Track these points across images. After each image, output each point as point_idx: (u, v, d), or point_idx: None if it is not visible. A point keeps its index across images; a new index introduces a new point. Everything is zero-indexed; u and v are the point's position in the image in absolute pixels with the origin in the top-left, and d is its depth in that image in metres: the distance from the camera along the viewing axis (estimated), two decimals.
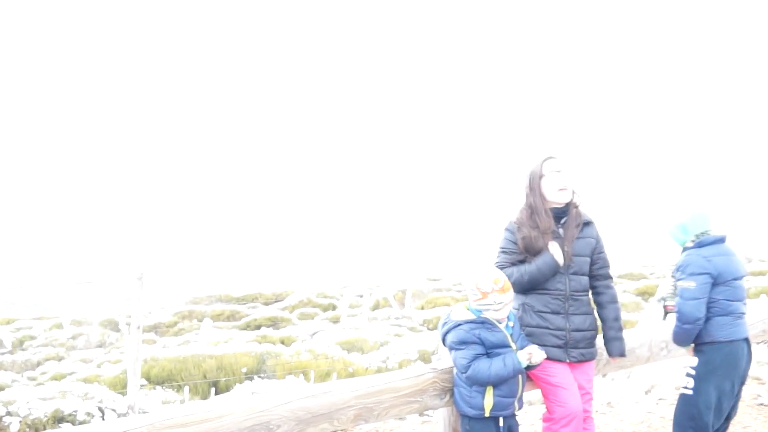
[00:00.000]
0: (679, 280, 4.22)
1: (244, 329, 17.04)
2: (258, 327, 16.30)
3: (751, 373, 5.88)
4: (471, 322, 3.88)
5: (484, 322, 3.87)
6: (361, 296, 18.35)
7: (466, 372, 3.82)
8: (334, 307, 19.79)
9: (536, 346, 3.99)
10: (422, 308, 17.70)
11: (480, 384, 3.82)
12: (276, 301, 21.31)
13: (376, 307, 17.44)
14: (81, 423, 7.34)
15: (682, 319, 4.14)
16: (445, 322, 4.01)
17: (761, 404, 6.78)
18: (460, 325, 3.90)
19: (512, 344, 3.89)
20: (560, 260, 4.00)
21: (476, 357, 3.81)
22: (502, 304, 3.83)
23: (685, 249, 4.32)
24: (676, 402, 4.36)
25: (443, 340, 4.04)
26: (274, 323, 16.69)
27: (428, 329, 14.41)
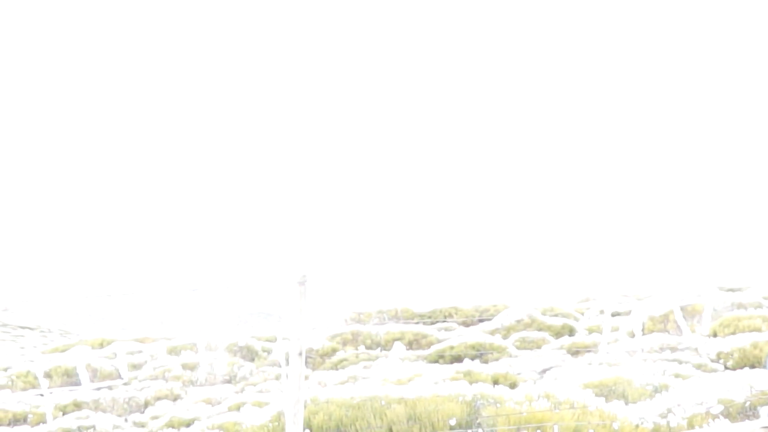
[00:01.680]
0: None
1: (436, 361, 17.41)
2: (457, 358, 16.53)
3: None
4: None
5: None
6: (614, 314, 18.18)
7: None
8: (571, 331, 19.79)
9: None
10: (714, 334, 17.23)
11: None
12: (481, 320, 21.59)
13: (643, 331, 17.23)
14: None
15: None
16: None
17: None
18: None
19: None
20: None
21: None
22: None
23: None
24: None
25: None
26: (480, 353, 16.89)
27: (728, 368, 14.02)
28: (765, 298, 20.03)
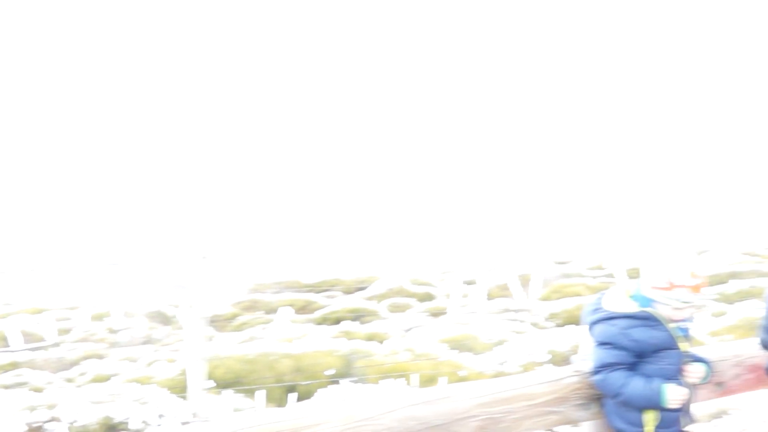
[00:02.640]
0: None
1: (321, 323, 17.41)
2: (338, 321, 16.61)
3: None
4: (629, 317, 3.84)
5: (646, 318, 3.84)
6: (469, 283, 18.44)
7: (594, 375, 3.91)
8: (432, 297, 20.00)
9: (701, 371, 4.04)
10: (547, 299, 17.65)
11: (611, 395, 3.93)
12: (359, 289, 21.63)
13: (488, 296, 17.51)
14: None
15: None
16: (596, 308, 3.95)
17: None
18: (614, 318, 3.86)
19: (682, 346, 3.91)
20: None
21: (613, 365, 3.86)
22: (687, 305, 3.81)
23: None
24: None
25: (590, 329, 3.99)
26: (358, 316, 16.97)
27: (557, 326, 14.40)
28: (587, 269, 20.71)
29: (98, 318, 17.99)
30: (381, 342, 11.76)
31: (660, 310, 3.80)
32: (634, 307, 3.83)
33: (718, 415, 7.34)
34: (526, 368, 9.61)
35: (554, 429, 6.42)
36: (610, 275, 20.36)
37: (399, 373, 9.05)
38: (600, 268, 23.67)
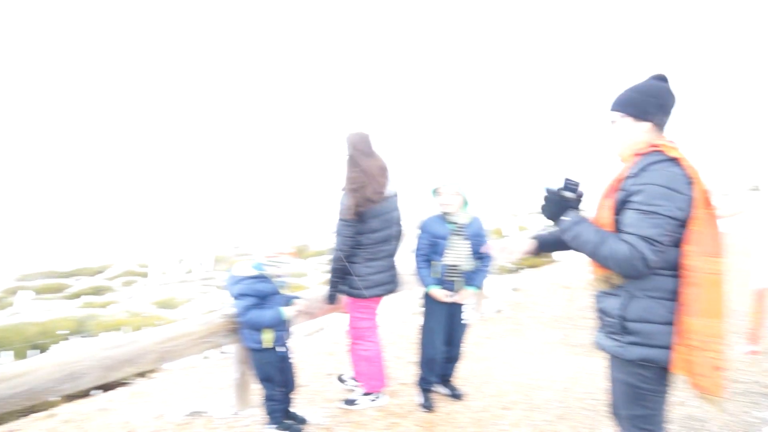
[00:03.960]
0: None
1: (69, 299, 15.52)
2: (81, 296, 15.18)
3: None
4: (251, 277, 4.13)
5: (261, 277, 4.16)
6: (177, 263, 17.49)
7: (241, 318, 4.23)
8: (153, 275, 18.70)
9: (304, 301, 4.53)
10: (227, 270, 17.33)
11: (253, 327, 4.23)
12: (100, 273, 19.61)
13: (188, 271, 16.81)
14: None
15: None
16: (230, 277, 4.27)
17: None
18: (242, 280, 4.15)
19: (283, 292, 4.33)
20: None
21: (251, 307, 4.15)
22: (287, 264, 4.20)
23: None
24: None
25: (229, 291, 4.29)
26: (97, 292, 15.43)
27: None
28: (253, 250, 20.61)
29: None
30: (105, 307, 10.63)
31: (269, 271, 4.15)
32: (254, 272, 4.11)
33: (317, 332, 7.62)
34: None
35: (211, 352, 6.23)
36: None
37: (116, 327, 8.26)
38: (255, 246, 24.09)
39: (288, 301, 4.41)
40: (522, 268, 11.66)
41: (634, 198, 2.58)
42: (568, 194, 2.82)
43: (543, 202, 2.86)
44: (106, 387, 5.85)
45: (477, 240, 4.60)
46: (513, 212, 25.21)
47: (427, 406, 4.80)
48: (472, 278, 4.64)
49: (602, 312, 2.85)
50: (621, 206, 2.66)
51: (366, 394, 4.93)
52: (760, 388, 5.00)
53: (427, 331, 4.76)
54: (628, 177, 2.66)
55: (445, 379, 5.16)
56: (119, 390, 5.75)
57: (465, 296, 4.64)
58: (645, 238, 2.50)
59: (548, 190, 2.86)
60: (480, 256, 4.64)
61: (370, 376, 4.87)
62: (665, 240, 2.56)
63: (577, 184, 2.85)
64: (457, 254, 4.52)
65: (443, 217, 4.57)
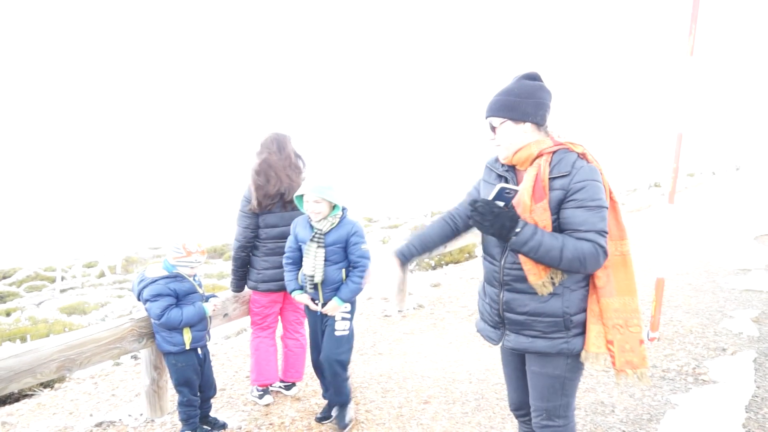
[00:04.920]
0: None
1: None
2: None
3: None
4: (166, 277, 4.06)
5: (176, 277, 4.09)
6: (88, 266, 16.57)
7: (160, 320, 4.10)
8: (60, 279, 17.60)
9: (218, 299, 4.63)
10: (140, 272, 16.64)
11: (173, 328, 4.14)
12: (4, 278, 18.27)
13: (100, 275, 15.94)
14: None
15: None
16: (142, 279, 4.14)
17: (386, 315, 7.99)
18: (156, 281, 4.05)
19: (200, 290, 4.27)
20: None
21: (169, 307, 4.05)
22: (199, 263, 4.15)
23: None
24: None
25: (139, 295, 4.18)
26: (0, 298, 14.29)
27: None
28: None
29: None
30: (8, 314, 9.93)
31: (182, 271, 4.10)
32: (166, 272, 4.05)
33: (238, 334, 7.46)
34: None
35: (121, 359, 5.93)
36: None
37: (19, 336, 7.74)
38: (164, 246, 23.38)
39: (205, 299, 4.32)
40: (443, 264, 11.83)
41: (577, 196, 2.60)
42: (503, 204, 2.66)
43: (481, 219, 2.65)
44: (6, 400, 5.51)
45: (339, 249, 4.16)
46: (436, 210, 25.24)
47: (319, 418, 4.58)
48: (339, 289, 4.18)
49: (533, 314, 2.77)
50: (557, 206, 2.66)
51: (259, 387, 5.02)
52: (661, 372, 5.22)
53: (309, 335, 4.66)
54: (557, 177, 2.65)
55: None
56: (22, 402, 5.41)
57: (330, 308, 4.20)
58: (600, 232, 2.58)
59: (481, 205, 2.64)
60: (354, 266, 4.19)
61: (254, 368, 4.89)
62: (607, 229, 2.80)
63: (513, 192, 2.67)
64: (312, 263, 4.13)
65: (309, 221, 4.29)
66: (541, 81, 2.85)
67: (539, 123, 2.78)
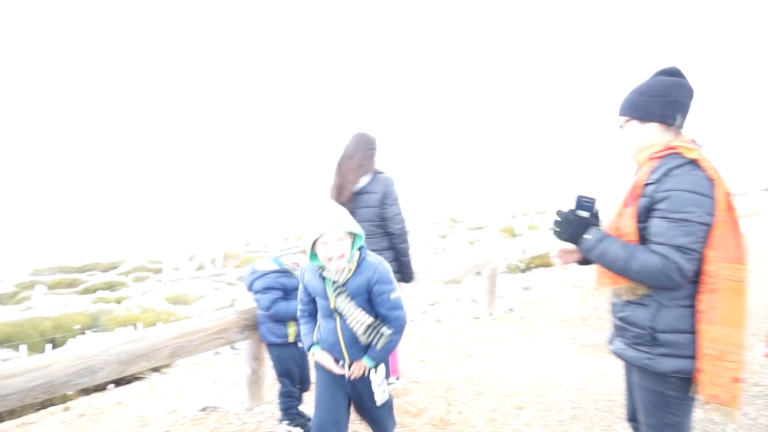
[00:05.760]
0: None
1: (82, 294, 15.66)
2: (95, 291, 15.15)
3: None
4: (276, 271, 4.18)
5: (285, 272, 4.20)
6: (189, 260, 17.62)
7: (268, 311, 4.18)
8: (161, 270, 18.91)
9: None
10: (238, 267, 17.43)
11: (279, 320, 4.23)
12: (113, 268, 19.82)
13: (199, 268, 16.92)
14: None
15: None
16: (253, 272, 4.26)
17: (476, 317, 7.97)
18: (267, 274, 4.17)
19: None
20: None
21: (277, 300, 4.15)
22: (298, 248, 4.16)
23: None
24: None
25: (250, 286, 4.29)
26: (110, 287, 15.55)
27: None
28: (263, 247, 20.53)
29: None
30: (119, 301, 10.70)
31: (285, 260, 4.13)
32: (275, 266, 4.14)
33: None
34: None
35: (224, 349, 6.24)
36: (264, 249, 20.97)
37: (130, 322, 8.33)
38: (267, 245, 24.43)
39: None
40: (533, 267, 11.60)
41: (660, 206, 2.45)
42: (583, 213, 2.66)
43: (557, 226, 2.70)
44: (121, 381, 5.86)
45: (361, 300, 3.07)
46: (523, 211, 25.14)
47: None
48: (369, 348, 3.18)
49: (625, 321, 2.70)
50: (645, 214, 2.52)
51: None
52: None
53: (315, 399, 3.39)
54: (649, 183, 2.52)
55: None
56: (134, 384, 5.82)
57: (358, 370, 3.18)
58: (678, 248, 2.38)
59: (560, 213, 2.70)
60: (386, 321, 3.10)
61: None
62: (699, 247, 2.42)
63: (592, 201, 2.70)
64: (355, 318, 3.04)
65: (318, 271, 3.21)
66: (681, 77, 2.63)
67: (668, 123, 2.59)
